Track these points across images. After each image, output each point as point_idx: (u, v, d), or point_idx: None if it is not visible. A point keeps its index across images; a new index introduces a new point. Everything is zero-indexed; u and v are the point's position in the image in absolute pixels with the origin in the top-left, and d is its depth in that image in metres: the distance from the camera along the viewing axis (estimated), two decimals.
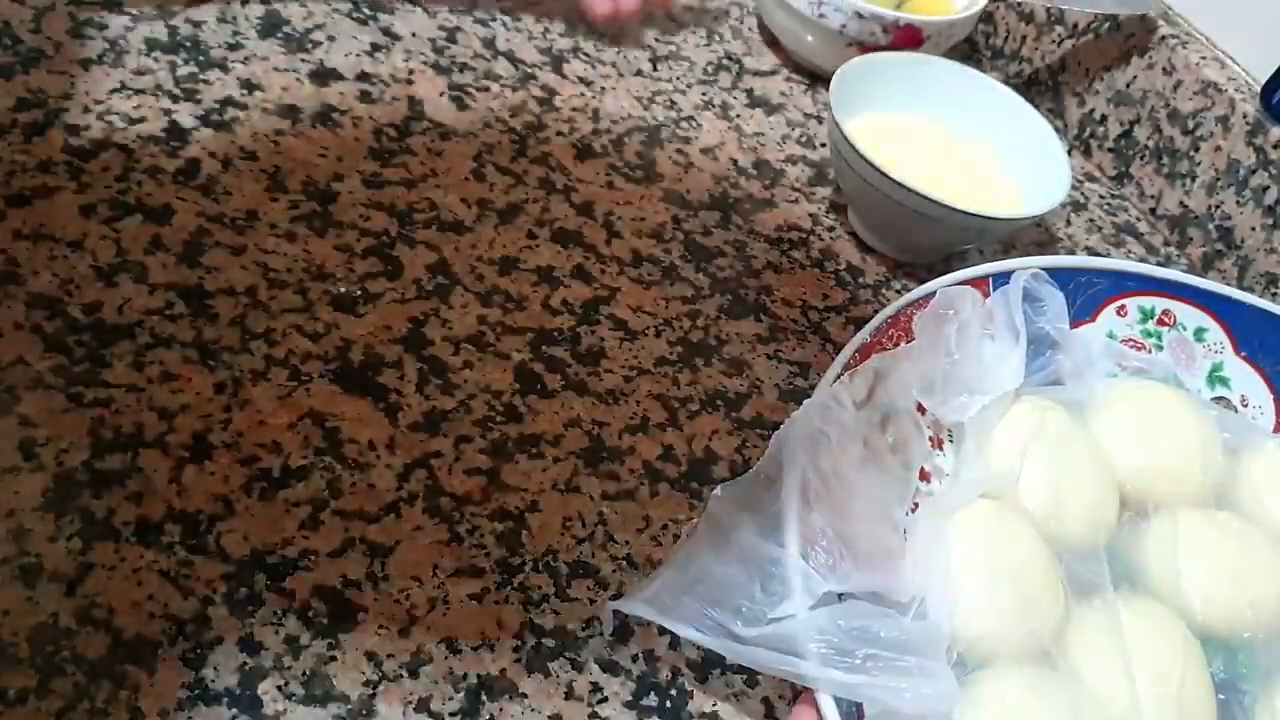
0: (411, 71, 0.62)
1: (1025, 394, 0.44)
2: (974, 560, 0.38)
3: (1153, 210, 0.72)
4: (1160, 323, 0.49)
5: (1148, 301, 0.49)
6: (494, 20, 0.68)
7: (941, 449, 0.42)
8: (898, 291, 0.60)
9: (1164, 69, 0.69)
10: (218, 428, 0.43)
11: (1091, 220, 0.70)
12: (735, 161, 0.64)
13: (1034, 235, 0.67)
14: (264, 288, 0.48)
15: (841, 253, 0.61)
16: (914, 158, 0.60)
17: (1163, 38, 0.70)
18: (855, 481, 0.38)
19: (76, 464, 0.40)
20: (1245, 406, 0.50)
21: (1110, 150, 0.74)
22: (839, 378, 0.40)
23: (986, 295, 0.45)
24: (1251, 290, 0.66)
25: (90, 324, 0.45)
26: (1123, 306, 0.49)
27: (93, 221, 0.48)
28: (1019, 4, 0.78)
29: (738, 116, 0.68)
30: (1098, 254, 0.68)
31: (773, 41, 0.75)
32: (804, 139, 0.68)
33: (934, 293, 0.43)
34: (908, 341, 0.42)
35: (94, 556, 0.38)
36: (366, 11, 0.64)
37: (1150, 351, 0.49)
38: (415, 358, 0.48)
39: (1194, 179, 0.69)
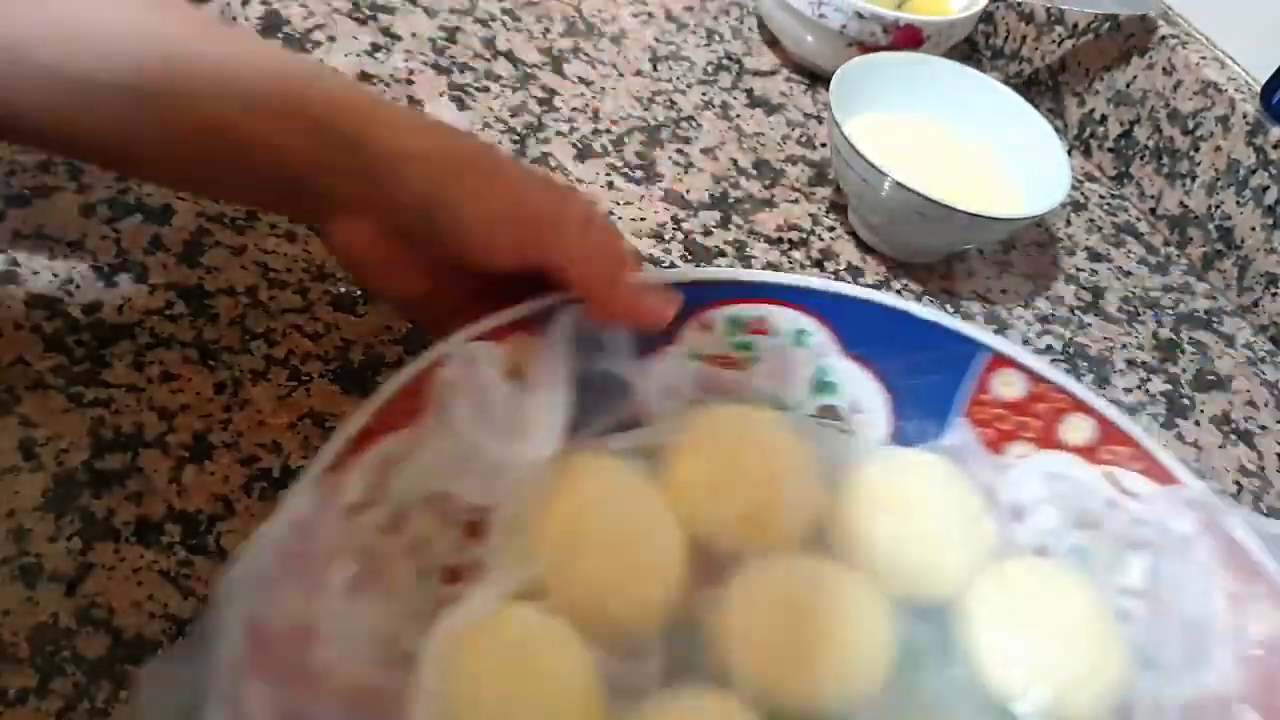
0: (411, 71, 0.62)
1: (582, 452, 0.38)
2: (480, 695, 0.32)
3: (1153, 210, 0.72)
4: (754, 332, 0.43)
5: (738, 310, 0.43)
6: (494, 20, 0.68)
7: (482, 538, 0.36)
8: (898, 292, 0.60)
9: (1164, 69, 0.69)
10: (218, 428, 0.43)
11: (1091, 220, 0.70)
12: (735, 161, 0.64)
13: (1034, 235, 0.67)
14: (264, 288, 0.48)
15: (841, 253, 0.61)
16: (914, 158, 0.60)
17: (1163, 38, 0.70)
18: (338, 617, 0.31)
19: (76, 464, 0.40)
20: (858, 413, 0.44)
21: (1110, 150, 0.74)
22: (317, 481, 0.32)
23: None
24: (1252, 290, 0.66)
25: (90, 324, 0.45)
26: (707, 320, 0.43)
27: (93, 221, 0.48)
28: (1019, 4, 0.78)
29: (738, 116, 0.68)
30: (1097, 254, 0.68)
31: (773, 41, 0.75)
32: (804, 139, 0.68)
33: (447, 354, 0.36)
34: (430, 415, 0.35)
35: (94, 556, 0.38)
36: (366, 12, 0.64)
37: (743, 368, 0.43)
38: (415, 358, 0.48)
39: (1194, 179, 0.69)
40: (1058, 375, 0.43)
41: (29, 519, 0.38)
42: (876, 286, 0.60)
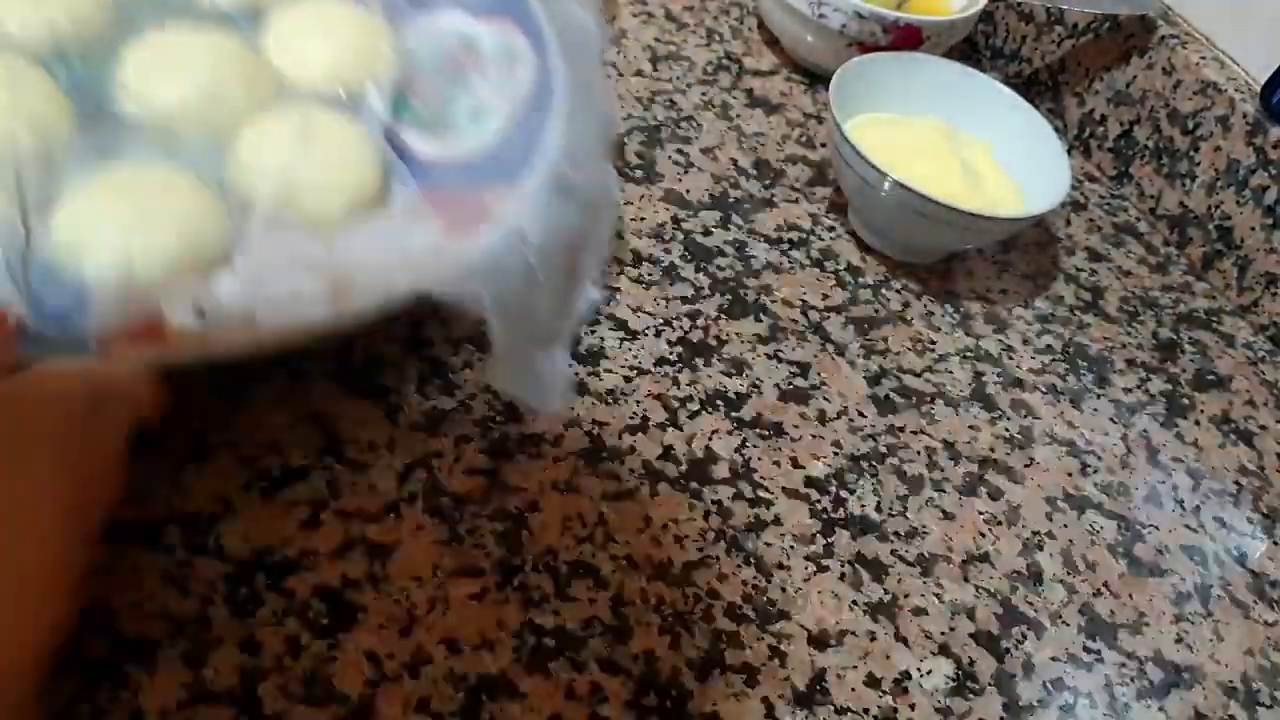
0: None
1: None
2: None
3: (1152, 210, 0.72)
4: None
5: None
6: None
7: None
8: (897, 291, 0.60)
9: (1164, 69, 0.69)
10: (218, 428, 0.43)
11: (1091, 220, 0.70)
12: (735, 161, 0.64)
13: (1034, 235, 0.67)
14: None
15: (841, 253, 0.61)
16: (914, 158, 0.60)
17: (1163, 38, 0.70)
18: None
19: None
20: None
21: (1110, 150, 0.74)
22: None
23: None
24: (1252, 290, 0.66)
25: None
26: None
27: None
28: (1019, 4, 0.78)
29: (738, 116, 0.68)
30: (1097, 254, 0.68)
31: (773, 41, 0.75)
32: (804, 139, 0.68)
33: None
34: None
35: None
36: None
37: None
38: (415, 358, 0.48)
39: (1194, 179, 0.69)
40: None
41: None
42: (876, 288, 0.60)
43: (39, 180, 0.41)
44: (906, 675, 0.44)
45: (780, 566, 0.46)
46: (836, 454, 0.51)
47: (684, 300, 0.55)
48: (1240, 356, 0.64)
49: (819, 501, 0.49)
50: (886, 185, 0.56)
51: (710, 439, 0.49)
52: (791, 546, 0.46)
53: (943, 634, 0.45)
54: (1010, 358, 0.59)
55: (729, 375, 0.52)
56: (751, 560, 0.45)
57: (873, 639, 0.44)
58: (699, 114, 0.67)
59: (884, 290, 0.60)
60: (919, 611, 0.46)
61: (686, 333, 0.54)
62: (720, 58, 0.72)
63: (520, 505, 0.44)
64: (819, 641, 0.44)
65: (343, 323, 0.40)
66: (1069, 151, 0.75)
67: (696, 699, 0.41)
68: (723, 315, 0.55)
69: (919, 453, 0.52)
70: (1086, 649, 0.47)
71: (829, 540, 0.47)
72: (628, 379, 0.51)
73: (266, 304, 0.40)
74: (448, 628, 0.40)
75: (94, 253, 0.40)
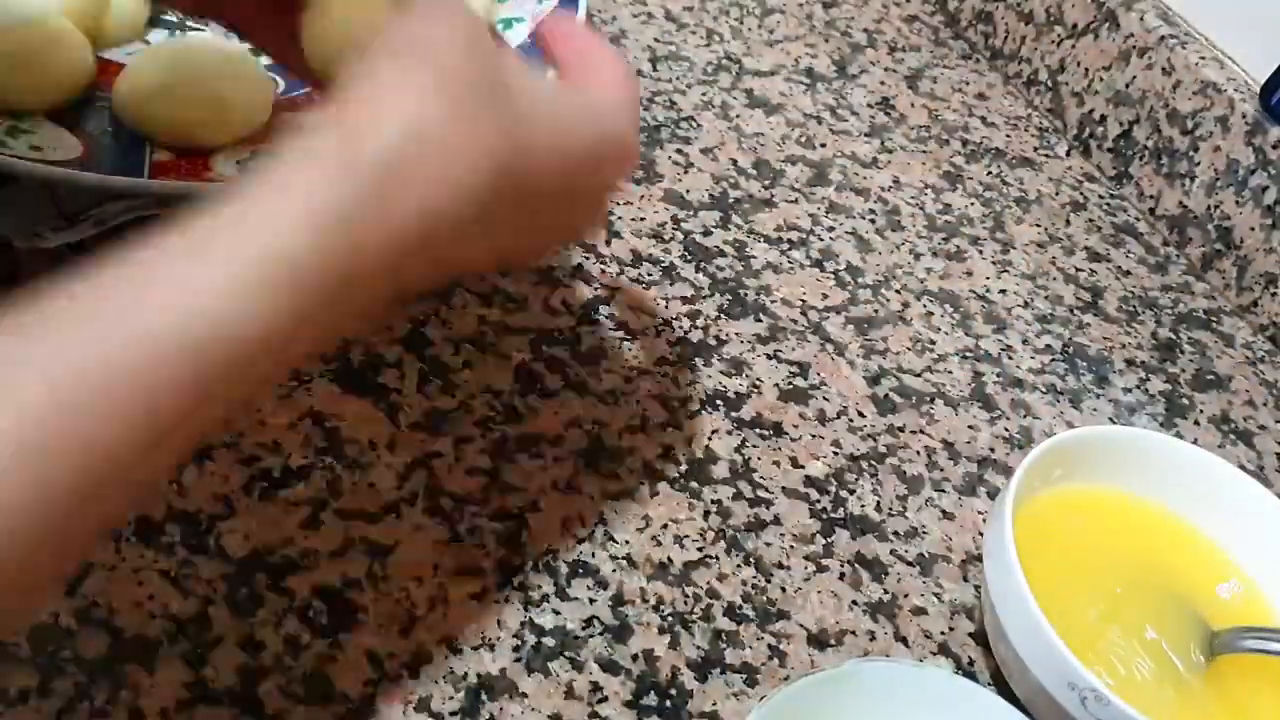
0: None
1: None
2: None
3: (1152, 210, 0.72)
4: None
5: None
6: None
7: None
8: (897, 291, 0.60)
9: (1163, 69, 0.69)
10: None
11: (1091, 220, 0.70)
12: (735, 161, 0.65)
13: (1033, 235, 0.67)
14: None
15: (841, 253, 0.61)
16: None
17: (1162, 38, 0.70)
18: None
19: None
20: None
21: (1109, 150, 0.74)
22: None
23: None
24: (1251, 290, 0.66)
25: None
26: None
27: (92, 222, 0.48)
28: (1018, 3, 0.78)
29: (738, 116, 0.68)
30: (1097, 254, 0.68)
31: (772, 41, 0.75)
32: (803, 139, 0.68)
33: None
34: None
35: (94, 556, 0.38)
36: None
37: None
38: (415, 358, 0.48)
39: (1193, 179, 0.69)
40: None
41: None
42: (876, 288, 0.60)
43: None
44: None
45: (780, 566, 0.46)
46: (836, 454, 0.51)
47: (684, 300, 0.55)
48: (1240, 356, 0.64)
49: (819, 501, 0.49)
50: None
51: (710, 439, 0.49)
52: (791, 546, 0.47)
53: (943, 634, 0.45)
54: (1010, 358, 0.59)
55: (729, 375, 0.52)
56: (751, 560, 0.46)
57: (873, 639, 0.44)
58: (699, 114, 0.67)
59: (884, 290, 0.60)
60: (919, 611, 0.46)
61: (686, 333, 0.54)
62: (720, 58, 0.72)
63: (520, 505, 0.44)
64: (819, 641, 0.44)
65: None
66: (1068, 152, 0.75)
67: (696, 699, 0.41)
68: (723, 315, 0.55)
69: (919, 453, 0.52)
70: None
71: (829, 540, 0.47)
72: (628, 379, 0.51)
73: None
74: (448, 628, 0.40)
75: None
